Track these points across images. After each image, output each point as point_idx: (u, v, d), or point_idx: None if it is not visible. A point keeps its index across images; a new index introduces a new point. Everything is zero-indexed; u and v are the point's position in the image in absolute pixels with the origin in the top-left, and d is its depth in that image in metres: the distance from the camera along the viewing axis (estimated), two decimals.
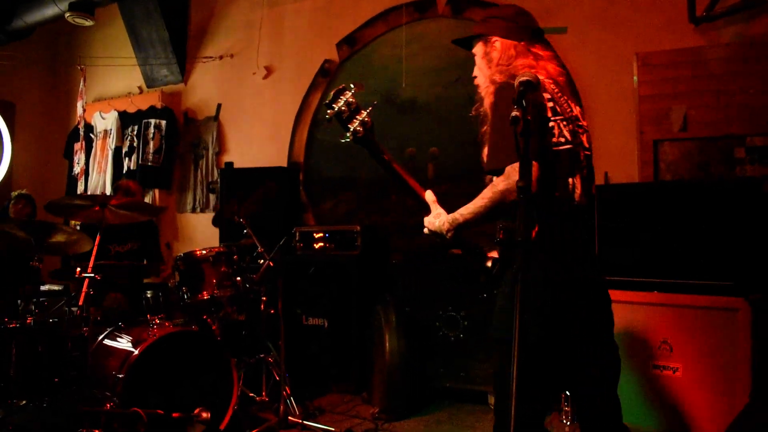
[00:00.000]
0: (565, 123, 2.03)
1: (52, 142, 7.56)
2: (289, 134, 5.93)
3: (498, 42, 2.19)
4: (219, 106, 6.47)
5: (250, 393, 4.11)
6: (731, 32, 4.24)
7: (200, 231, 6.47)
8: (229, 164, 6.00)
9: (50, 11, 6.04)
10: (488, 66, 2.21)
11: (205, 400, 3.47)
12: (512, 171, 1.85)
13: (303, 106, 5.88)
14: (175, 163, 6.72)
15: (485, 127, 2.15)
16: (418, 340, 4.37)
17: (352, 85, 2.16)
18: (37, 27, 6.52)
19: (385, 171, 2.19)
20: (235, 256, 4.09)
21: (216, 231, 5.68)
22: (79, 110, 6.81)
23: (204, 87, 6.63)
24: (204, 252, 4.03)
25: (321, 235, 4.95)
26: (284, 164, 5.94)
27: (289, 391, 4.02)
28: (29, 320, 3.42)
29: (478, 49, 2.26)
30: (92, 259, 3.47)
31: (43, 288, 5.14)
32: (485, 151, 2.14)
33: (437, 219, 2.07)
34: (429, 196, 2.16)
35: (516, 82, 1.61)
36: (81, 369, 3.39)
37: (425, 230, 2.13)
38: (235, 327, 4.30)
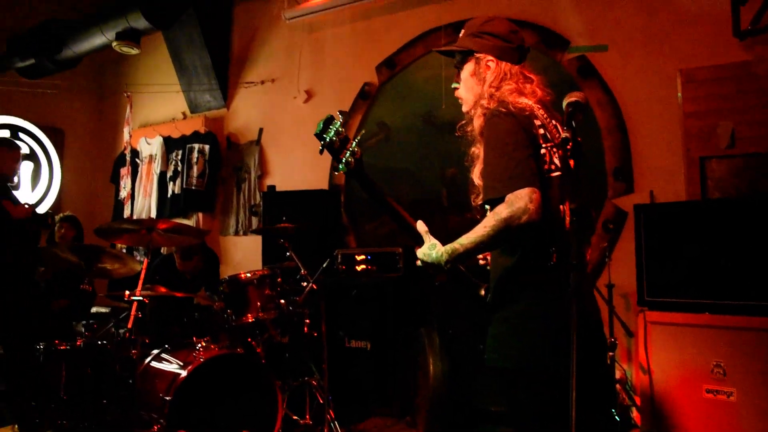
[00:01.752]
0: (555, 149, 1.99)
1: (99, 167, 7.75)
2: (330, 157, 5.95)
3: (492, 63, 2.12)
4: (261, 130, 6.56)
5: (294, 416, 4.11)
6: None
7: (243, 253, 6.54)
8: (272, 187, 6.07)
9: (98, 40, 6.23)
10: (479, 84, 2.13)
11: (250, 423, 3.50)
12: (515, 198, 1.82)
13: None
14: (218, 186, 6.82)
15: (473, 149, 2.14)
16: (461, 362, 4.32)
17: (339, 114, 2.10)
18: (85, 56, 6.72)
19: (375, 202, 2.15)
20: (278, 279, 4.12)
21: (259, 254, 5.74)
22: (126, 136, 6.97)
23: (246, 111, 6.73)
24: (248, 275, 4.07)
25: (363, 257, 4.96)
26: (326, 187, 5.97)
27: (333, 415, 4.01)
28: (79, 342, 3.50)
29: (468, 66, 2.18)
30: (140, 282, 3.54)
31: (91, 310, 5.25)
32: (475, 172, 2.13)
33: (433, 250, 2.01)
34: (421, 226, 2.11)
35: (564, 104, 1.59)
36: (129, 390, 3.45)
37: (418, 262, 2.07)
38: (279, 349, 4.31)
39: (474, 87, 2.15)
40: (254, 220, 6.45)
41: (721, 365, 3.38)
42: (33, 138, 6.96)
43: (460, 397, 4.28)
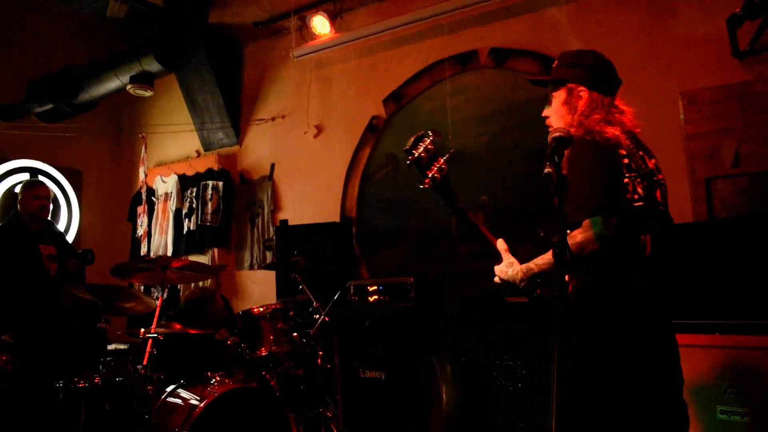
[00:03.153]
0: (639, 179, 2.03)
1: (117, 207, 7.89)
2: (341, 190, 6.07)
3: (584, 92, 2.19)
4: (273, 165, 6.67)
5: None
6: None
7: (258, 287, 6.61)
8: (284, 222, 6.15)
9: (113, 84, 6.40)
10: (569, 113, 2.21)
11: None
12: (590, 224, 1.88)
13: (353, 162, 6.03)
14: (233, 222, 6.91)
15: None
16: (474, 390, 4.33)
17: (430, 132, 2.16)
18: (101, 99, 6.91)
19: (457, 219, 2.20)
20: (291, 312, 4.18)
21: (273, 287, 5.81)
22: (141, 175, 7.11)
23: (258, 148, 6.86)
24: (261, 309, 4.13)
25: (375, 287, 4.99)
26: (337, 219, 6.05)
27: None
28: (97, 380, 3.57)
29: (560, 94, 2.25)
30: (155, 319, 3.61)
31: (109, 347, 5.33)
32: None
33: (510, 268, 2.07)
34: (501, 245, 2.16)
35: (549, 138, 1.65)
36: (146, 426, 3.50)
37: (496, 279, 2.13)
38: (294, 382, 4.35)
39: (565, 116, 2.22)
40: (268, 255, 6.52)
41: (734, 386, 3.36)
42: (52, 180, 7.12)
43: (473, 425, 4.28)
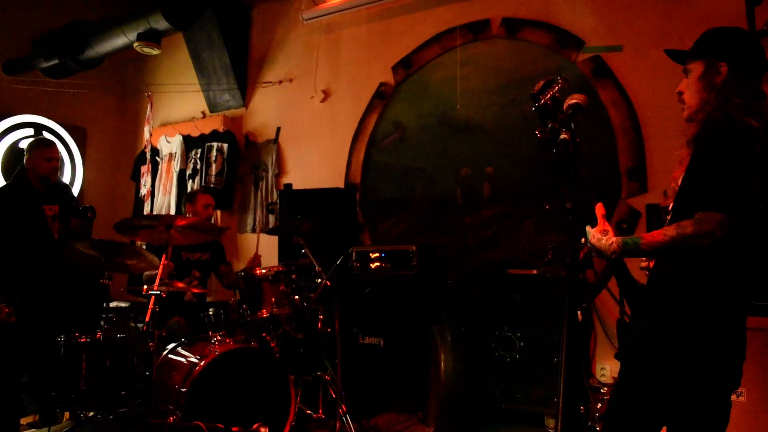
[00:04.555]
0: (764, 179, 1.87)
1: (121, 165, 7.87)
2: (346, 156, 6.05)
3: (724, 67, 2.02)
4: (278, 129, 6.64)
5: (308, 410, 4.17)
6: None
7: (260, 251, 6.60)
8: (288, 186, 6.13)
9: (120, 41, 6.33)
10: (705, 90, 2.04)
11: (264, 416, 3.55)
12: (705, 219, 1.76)
13: (360, 128, 5.99)
14: (236, 184, 6.90)
15: (683, 151, 2.06)
16: (473, 360, 4.36)
17: (559, 79, 1.96)
18: (108, 56, 6.84)
19: (565, 175, 2.10)
20: (293, 275, 4.19)
21: (275, 251, 5.81)
22: (146, 135, 7.09)
23: (264, 111, 6.82)
24: (263, 271, 4.14)
25: (377, 255, 5.00)
26: (341, 185, 6.05)
27: (345, 409, 4.06)
28: (98, 335, 3.59)
29: (696, 67, 2.09)
30: (158, 277, 3.62)
31: (110, 305, 5.35)
32: (675, 174, 2.06)
33: (604, 236, 1.92)
34: (599, 210, 2.00)
35: (565, 105, 1.60)
36: (146, 382, 3.53)
37: (583, 240, 1.98)
38: (294, 345, 4.38)
39: (700, 91, 2.07)
40: (271, 218, 6.52)
41: None
42: (56, 136, 7.08)
43: (471, 394, 4.32)
